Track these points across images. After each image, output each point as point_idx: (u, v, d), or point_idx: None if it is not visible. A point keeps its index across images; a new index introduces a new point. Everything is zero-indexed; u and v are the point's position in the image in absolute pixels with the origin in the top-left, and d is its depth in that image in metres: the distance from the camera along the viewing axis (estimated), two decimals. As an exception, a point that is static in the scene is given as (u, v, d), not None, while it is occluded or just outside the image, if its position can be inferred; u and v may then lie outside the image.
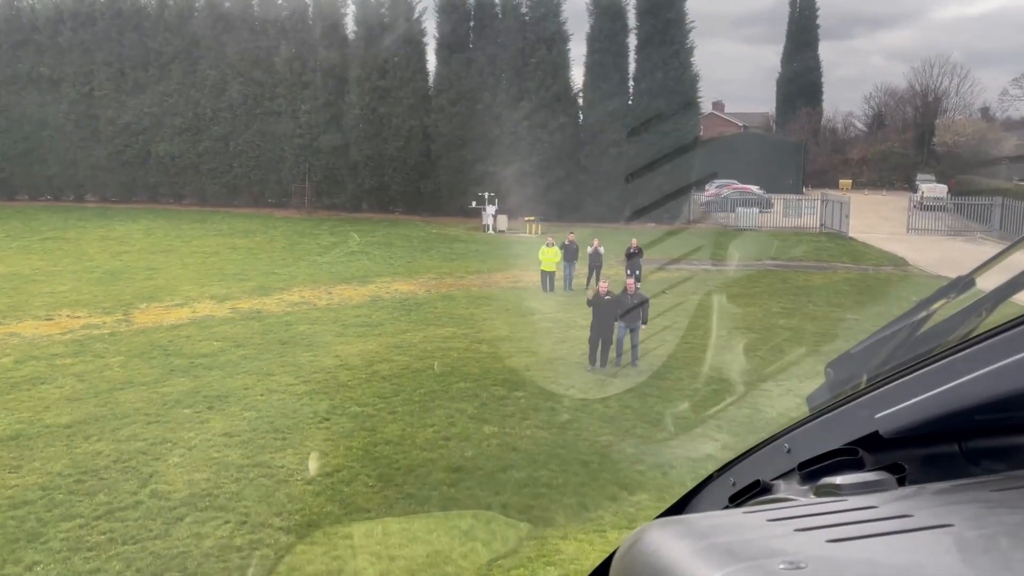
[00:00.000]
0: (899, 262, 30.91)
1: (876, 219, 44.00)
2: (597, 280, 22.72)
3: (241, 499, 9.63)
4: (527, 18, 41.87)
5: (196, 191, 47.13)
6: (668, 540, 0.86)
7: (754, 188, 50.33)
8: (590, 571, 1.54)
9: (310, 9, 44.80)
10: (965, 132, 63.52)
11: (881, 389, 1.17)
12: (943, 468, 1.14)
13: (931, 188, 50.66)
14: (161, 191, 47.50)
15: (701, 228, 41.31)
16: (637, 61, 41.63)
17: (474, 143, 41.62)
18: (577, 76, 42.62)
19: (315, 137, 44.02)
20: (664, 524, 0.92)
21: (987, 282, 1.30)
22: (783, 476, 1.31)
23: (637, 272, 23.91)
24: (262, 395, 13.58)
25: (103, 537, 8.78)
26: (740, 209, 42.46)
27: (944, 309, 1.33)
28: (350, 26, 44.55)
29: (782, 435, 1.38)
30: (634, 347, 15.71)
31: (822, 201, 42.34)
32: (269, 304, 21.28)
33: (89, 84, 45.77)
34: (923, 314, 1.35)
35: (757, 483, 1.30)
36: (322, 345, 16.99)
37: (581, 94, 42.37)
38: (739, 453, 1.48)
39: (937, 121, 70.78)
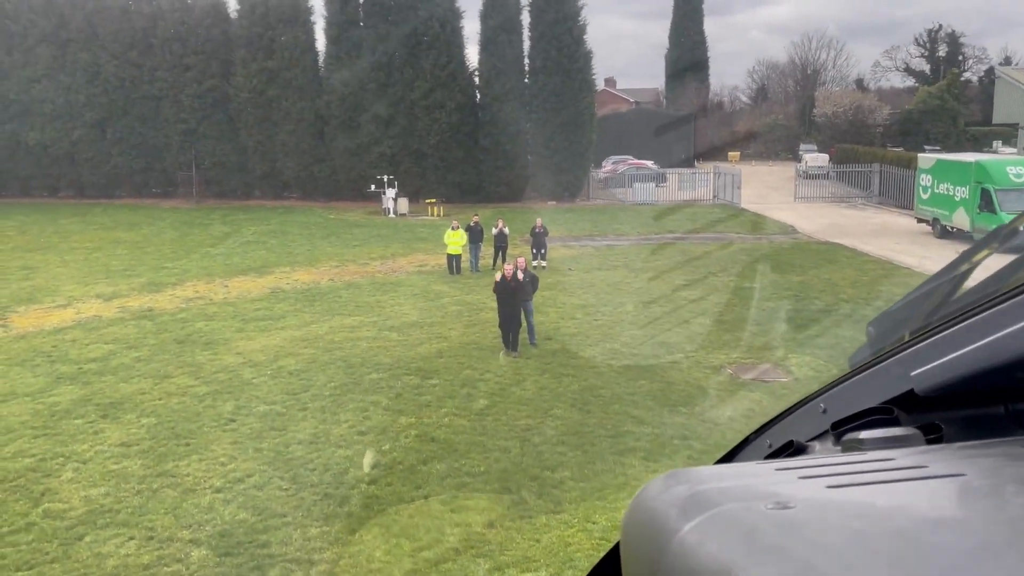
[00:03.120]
0: (789, 230, 32.12)
1: (765, 189, 45.58)
2: (504, 261, 22.62)
3: (145, 512, 9.04)
4: (418, -5, 41.07)
5: (72, 182, 44.32)
6: (669, 487, 0.87)
7: (649, 163, 51.29)
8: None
9: (188, -14, 42.63)
10: (843, 103, 66.43)
11: (918, 345, 1.12)
12: (986, 430, 1.05)
13: (814, 158, 52.87)
14: (34, 183, 44.46)
15: (601, 204, 41.80)
16: (531, 39, 41.49)
17: (369, 125, 40.67)
18: (472, 55, 42.23)
19: (200, 122, 42.06)
20: (671, 474, 0.91)
21: None
22: (819, 437, 1.26)
23: (543, 251, 23.98)
24: (160, 399, 12.82)
25: (-8, 566, 8.07)
26: (637, 184, 43.17)
27: (990, 261, 1.26)
28: (232, 4, 42.72)
29: (818, 395, 1.33)
30: (530, 326, 15.67)
31: (715, 174, 43.55)
32: (161, 301, 20.19)
33: (-53, 71, 42.30)
34: (966, 266, 1.30)
35: (791, 443, 1.27)
36: (222, 342, 16.22)
37: (477, 73, 41.94)
38: (776, 413, 1.42)
39: (816, 93, 73.85)
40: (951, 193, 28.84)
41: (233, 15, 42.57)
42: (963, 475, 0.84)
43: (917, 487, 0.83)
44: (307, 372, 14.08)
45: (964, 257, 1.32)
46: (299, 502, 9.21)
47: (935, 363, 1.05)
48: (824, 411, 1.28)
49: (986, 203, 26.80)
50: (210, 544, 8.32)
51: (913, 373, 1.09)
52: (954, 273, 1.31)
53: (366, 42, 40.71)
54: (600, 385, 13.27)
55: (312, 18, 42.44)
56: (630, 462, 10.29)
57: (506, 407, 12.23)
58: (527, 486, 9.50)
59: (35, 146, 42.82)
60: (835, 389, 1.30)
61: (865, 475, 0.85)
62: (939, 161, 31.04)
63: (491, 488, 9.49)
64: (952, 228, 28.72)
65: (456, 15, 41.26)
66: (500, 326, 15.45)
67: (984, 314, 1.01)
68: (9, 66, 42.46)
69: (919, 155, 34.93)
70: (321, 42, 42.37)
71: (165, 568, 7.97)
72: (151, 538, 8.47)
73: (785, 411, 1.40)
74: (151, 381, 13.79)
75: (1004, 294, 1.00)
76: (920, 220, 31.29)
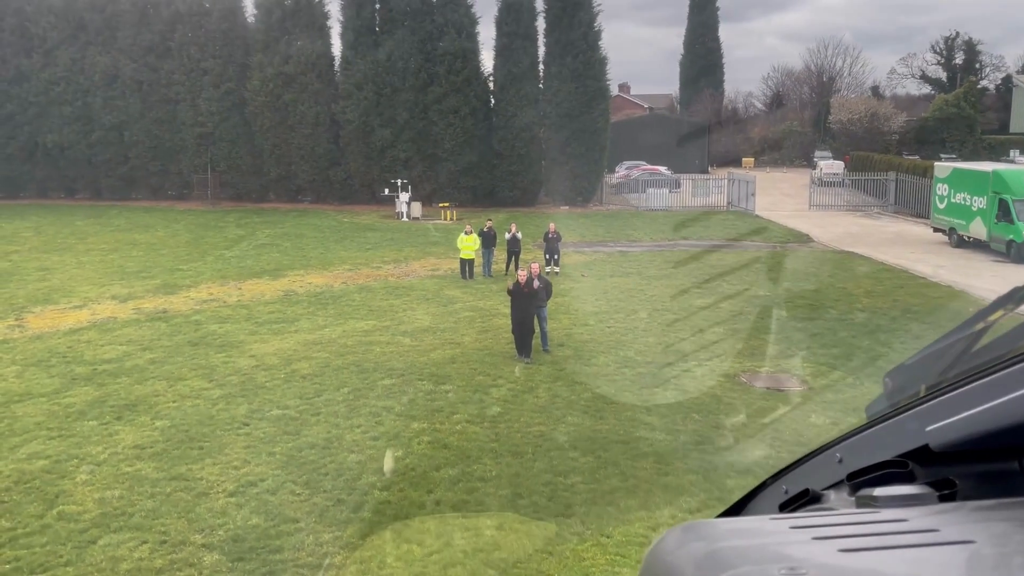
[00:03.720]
0: (804, 238, 31.96)
1: (779, 196, 45.40)
2: (516, 266, 22.61)
3: (158, 516, 9.07)
4: (434, 1, 41.19)
5: (89, 184, 44.72)
6: (686, 541, 0.89)
7: (662, 169, 51.19)
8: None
9: (206, -9, 42.93)
10: (858, 110, 66.06)
11: (934, 401, 1.15)
12: (1001, 487, 1.08)
13: (829, 165, 52.58)
14: (51, 185, 44.89)
15: (614, 209, 41.74)
16: (546, 44, 41.53)
17: (384, 129, 40.81)
18: (487, 60, 42.30)
19: (217, 125, 42.32)
20: (688, 527, 0.94)
21: None
22: (834, 486, 1.30)
23: (556, 256, 23.96)
24: (174, 402, 12.88)
25: (7, 567, 8.11)
26: (650, 190, 43.06)
27: (1006, 320, 1.30)
28: (250, 10, 43.03)
29: (835, 444, 1.37)
30: (543, 333, 15.66)
31: (729, 180, 43.36)
32: (176, 303, 20.30)
33: (-34, 73, 42.77)
34: (981, 325, 1.32)
35: (807, 492, 1.30)
36: (235, 345, 16.28)
37: (492, 78, 42.00)
38: (794, 460, 1.46)
39: (832, 100, 73.44)
40: (968, 203, 28.62)
41: (250, 20, 42.89)
42: (973, 542, 0.85)
43: (928, 554, 0.84)
44: (320, 376, 14.11)
45: (980, 315, 1.34)
46: (312, 507, 9.22)
47: (950, 420, 1.07)
48: (840, 461, 1.30)
49: (1003, 213, 26.58)
50: (223, 549, 8.33)
51: (928, 428, 1.11)
52: (970, 330, 1.33)
53: (382, 47, 40.87)
54: (613, 392, 13.24)
55: (328, 23, 42.71)
56: (642, 465, 10.25)
57: (519, 414, 12.21)
58: (538, 491, 9.46)
59: (53, 148, 43.24)
60: (851, 439, 1.32)
61: (877, 538, 0.87)
62: (956, 170, 30.82)
63: (503, 494, 9.47)
64: (969, 238, 28.51)
65: (472, 21, 41.37)
66: (513, 332, 15.43)
67: (999, 373, 1.03)
68: (28, 69, 42.91)
69: (935, 164, 34.65)
70: (337, 47, 42.66)
71: (178, 573, 7.99)
72: (164, 542, 8.50)
73: (801, 458, 1.43)
74: (165, 383, 13.86)
75: (1020, 355, 1.02)
76: (936, 229, 31.06)
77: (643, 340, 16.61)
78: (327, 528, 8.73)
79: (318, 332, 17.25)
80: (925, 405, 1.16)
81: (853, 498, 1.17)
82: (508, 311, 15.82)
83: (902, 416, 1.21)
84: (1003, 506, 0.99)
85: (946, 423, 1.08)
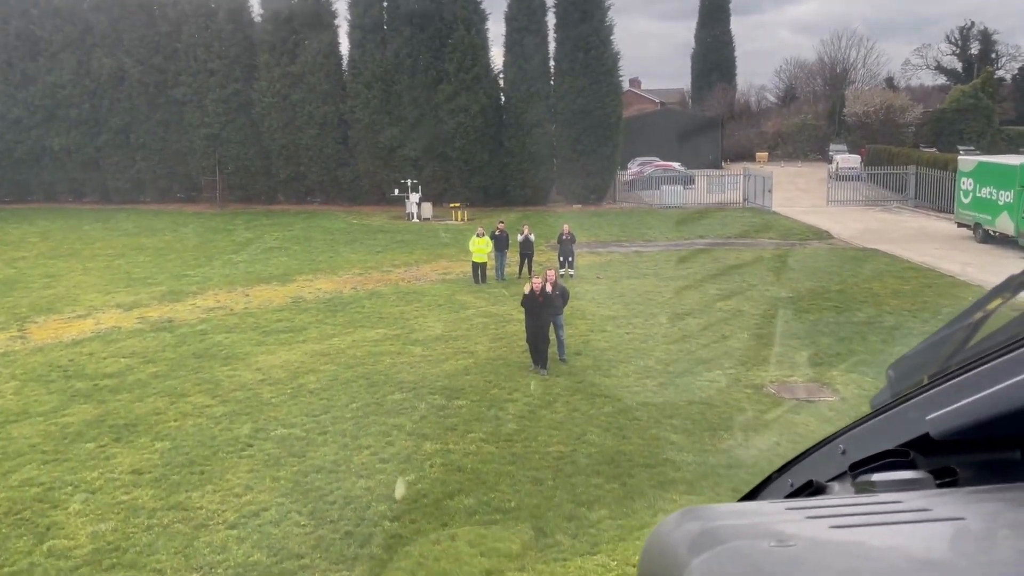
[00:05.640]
0: (824, 235, 31.15)
1: (795, 191, 44.51)
2: (530, 269, 21.97)
3: (154, 551, 8.48)
4: (442, -3, 40.54)
5: (97, 188, 44.32)
6: (683, 523, 0.89)
7: (675, 165, 50.32)
8: None
9: (212, -9, 42.41)
10: (873, 102, 64.95)
11: (933, 390, 1.13)
12: (1001, 475, 1.05)
13: (845, 159, 51.57)
14: (58, 189, 44.52)
15: (627, 207, 40.99)
16: (557, 40, 40.78)
17: (393, 128, 40.20)
18: (497, 57, 41.60)
19: (224, 126, 41.82)
20: (685, 511, 0.93)
21: None
22: (838, 477, 1.26)
23: (570, 259, 23.29)
24: (175, 421, 12.30)
25: (-9, 611, 7.57)
26: (664, 187, 42.29)
27: (1005, 308, 1.26)
28: (256, 9, 42.49)
29: (839, 436, 1.35)
30: (560, 341, 15.00)
31: (744, 176, 42.50)
32: (181, 311, 19.76)
33: (-28, 77, 42.44)
34: (981, 313, 1.30)
35: (811, 483, 1.28)
36: (241, 357, 15.71)
37: (502, 75, 41.30)
38: (798, 453, 1.43)
39: (846, 92, 72.30)
40: (994, 197, 27.76)
41: (257, 19, 42.37)
42: (963, 519, 0.86)
43: (917, 529, 0.84)
44: (328, 391, 13.51)
45: (980, 304, 1.32)
46: (317, 541, 8.61)
47: (950, 408, 1.06)
48: (843, 452, 1.30)
49: (1033, 207, 25.75)
50: (221, 590, 7.74)
51: (928, 417, 1.09)
52: (971, 319, 1.31)
53: (390, 46, 40.25)
54: (635, 406, 12.57)
55: (336, 22, 42.14)
56: (671, 496, 9.58)
57: (536, 432, 11.56)
58: (562, 528, 8.79)
59: (60, 151, 42.88)
60: (855, 431, 1.32)
61: (869, 516, 0.87)
62: (981, 164, 29.93)
63: (522, 529, 8.82)
64: (995, 233, 27.66)
65: (481, 17, 40.66)
66: (528, 341, 14.77)
67: (998, 360, 1.01)
68: (34, 72, 42.54)
69: (959, 158, 33.77)
70: (345, 46, 42.08)
71: (173, 616, 7.40)
72: (159, 582, 7.92)
73: (806, 451, 1.42)
74: (167, 400, 13.29)
75: (1018, 341, 1.00)
76: (960, 224, 30.21)
77: (663, 347, 15.93)
78: (333, 566, 8.11)
79: (326, 342, 16.66)
80: (926, 394, 1.15)
81: (855, 487, 1.16)
82: (522, 317, 15.17)
83: (904, 405, 1.21)
84: (998, 489, 0.98)
85: (946, 411, 1.06)
